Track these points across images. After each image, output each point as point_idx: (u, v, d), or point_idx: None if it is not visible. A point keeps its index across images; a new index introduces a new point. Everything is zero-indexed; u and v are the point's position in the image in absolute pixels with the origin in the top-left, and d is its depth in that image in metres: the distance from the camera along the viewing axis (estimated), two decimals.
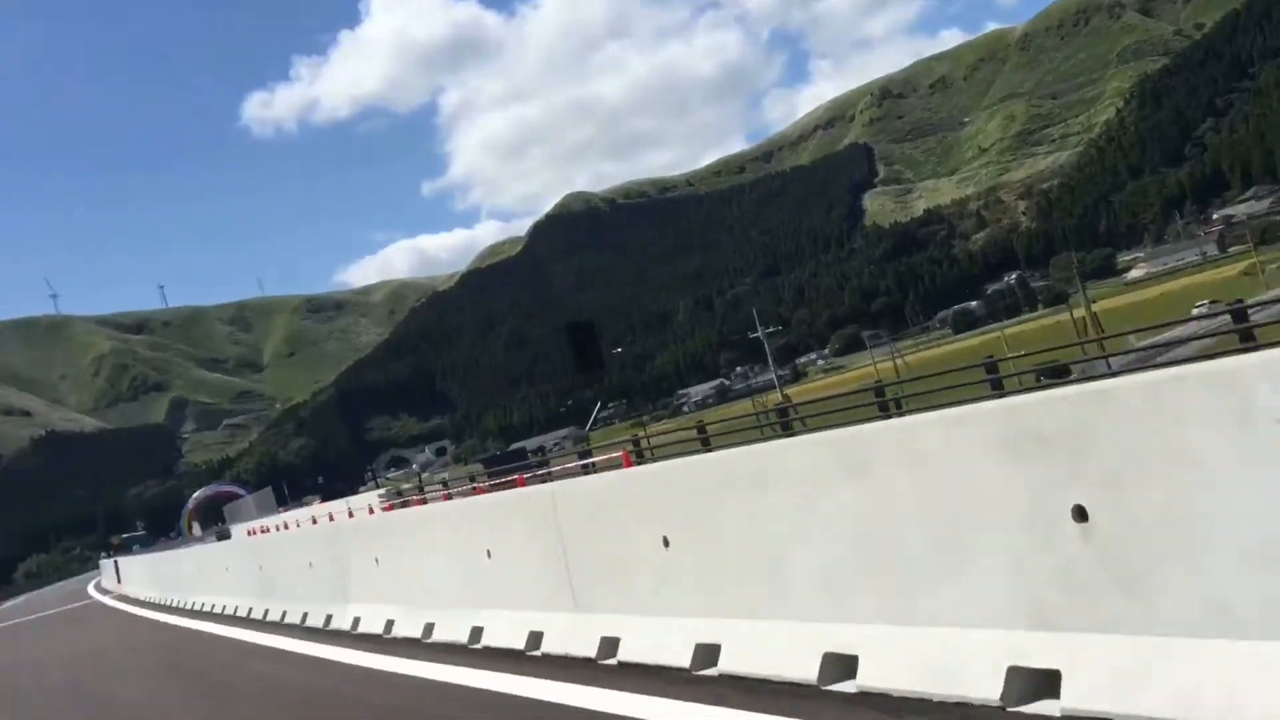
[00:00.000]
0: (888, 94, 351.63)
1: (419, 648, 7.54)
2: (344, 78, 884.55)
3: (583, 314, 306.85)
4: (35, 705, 10.04)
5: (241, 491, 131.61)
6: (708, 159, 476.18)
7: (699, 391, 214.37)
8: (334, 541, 10.18)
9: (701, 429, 23.50)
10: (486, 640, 7.16)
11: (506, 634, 6.90)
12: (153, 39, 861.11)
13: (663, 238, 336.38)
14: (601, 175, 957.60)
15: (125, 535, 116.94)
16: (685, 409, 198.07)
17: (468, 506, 9.05)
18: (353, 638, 8.76)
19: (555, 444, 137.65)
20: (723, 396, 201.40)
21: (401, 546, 8.72)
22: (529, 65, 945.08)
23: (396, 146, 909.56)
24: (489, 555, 7.23)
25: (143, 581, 25.29)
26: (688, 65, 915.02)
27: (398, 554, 8.68)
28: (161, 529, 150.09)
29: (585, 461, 26.21)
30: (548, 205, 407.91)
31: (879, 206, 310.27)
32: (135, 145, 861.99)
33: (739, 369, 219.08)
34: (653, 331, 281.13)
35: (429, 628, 7.73)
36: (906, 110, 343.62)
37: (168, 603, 19.33)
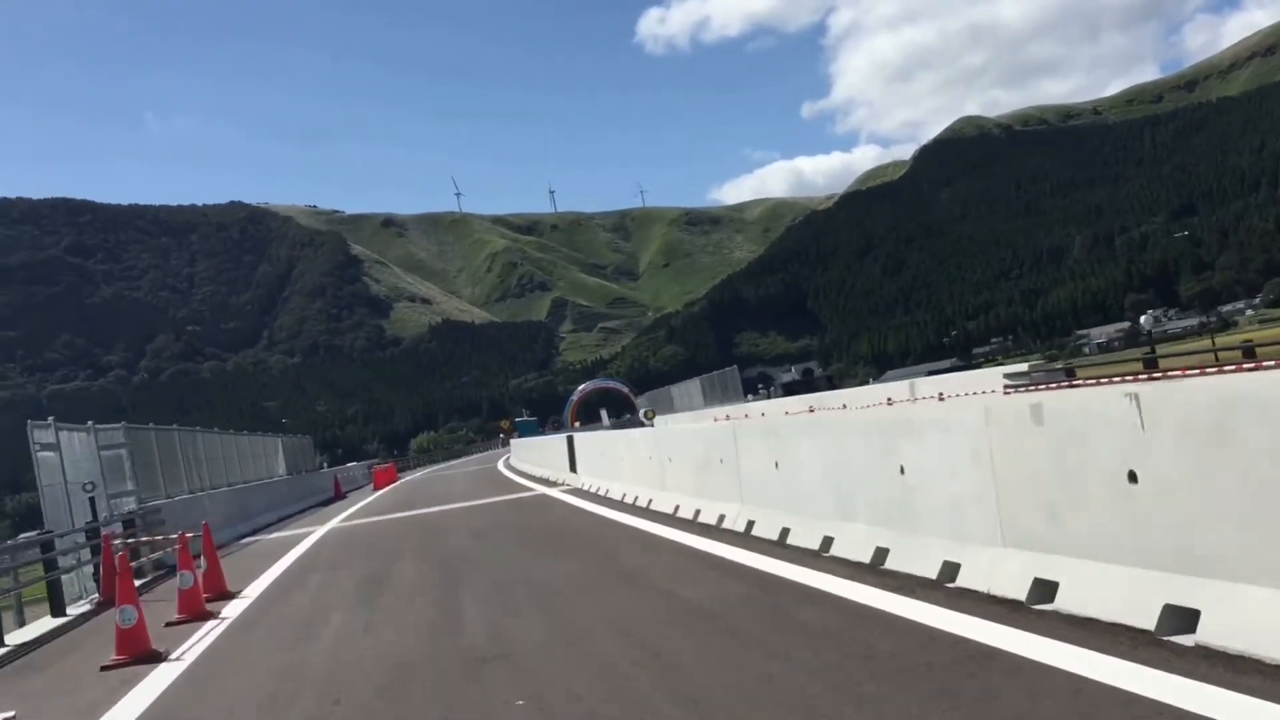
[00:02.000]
0: None
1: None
2: None
3: (967, 242, 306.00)
4: None
5: (623, 388, 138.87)
6: (1113, 89, 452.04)
7: (1102, 333, 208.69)
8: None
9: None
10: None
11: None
12: None
13: (1061, 168, 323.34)
14: (993, 103, 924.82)
15: (519, 419, 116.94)
16: (1086, 350, 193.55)
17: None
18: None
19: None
20: (1132, 340, 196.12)
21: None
22: None
23: (781, 66, 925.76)
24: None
25: (637, 476, 15.46)
26: None
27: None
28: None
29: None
30: (931, 132, 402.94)
31: None
32: (540, 61, 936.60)
33: (1150, 312, 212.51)
34: (1042, 267, 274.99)
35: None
36: None
37: (737, 526, 10.22)
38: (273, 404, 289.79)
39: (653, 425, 25.57)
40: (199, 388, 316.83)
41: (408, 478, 48.57)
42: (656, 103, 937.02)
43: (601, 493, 17.86)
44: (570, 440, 22.13)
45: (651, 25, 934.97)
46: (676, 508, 12.86)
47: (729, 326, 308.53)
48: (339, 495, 37.09)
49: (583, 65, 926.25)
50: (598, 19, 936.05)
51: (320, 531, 20.02)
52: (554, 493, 20.56)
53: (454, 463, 72.86)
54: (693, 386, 44.00)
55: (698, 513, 11.97)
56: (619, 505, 15.49)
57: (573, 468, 21.86)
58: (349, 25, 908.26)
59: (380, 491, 36.67)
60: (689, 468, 12.47)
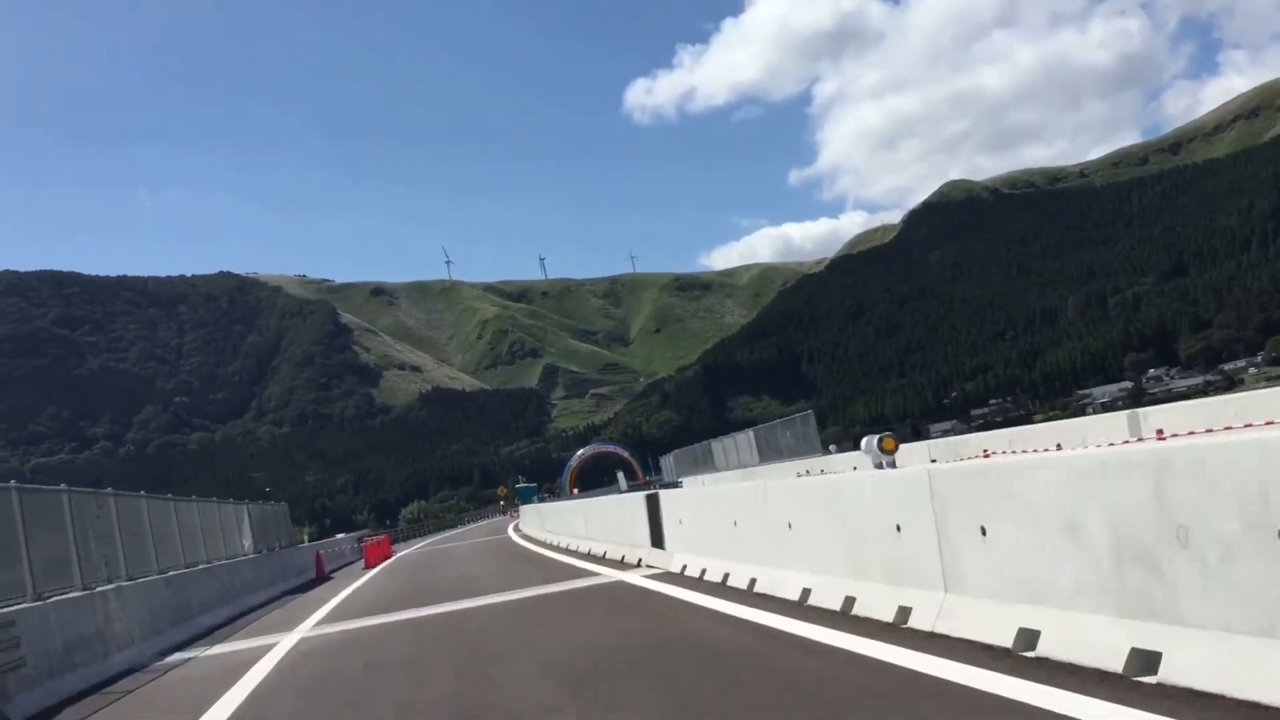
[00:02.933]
0: None
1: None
2: (723, 65, 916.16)
3: (959, 303, 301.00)
4: None
5: (623, 452, 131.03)
6: (1095, 154, 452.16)
7: (1104, 393, 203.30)
8: None
9: None
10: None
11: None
12: (545, 29, 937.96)
13: (1051, 230, 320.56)
14: (977, 168, 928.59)
15: (519, 485, 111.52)
16: (1090, 410, 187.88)
17: None
18: None
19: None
20: (1137, 400, 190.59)
21: None
22: (909, 54, 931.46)
23: (767, 135, 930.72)
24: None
25: (842, 560, 8.41)
26: (1081, 55, 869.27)
27: None
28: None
29: None
30: (917, 198, 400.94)
31: None
32: (530, 132, 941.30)
33: (1153, 371, 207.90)
34: (1037, 328, 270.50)
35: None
36: None
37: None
38: (260, 474, 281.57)
39: (889, 463, 17.38)
40: (186, 459, 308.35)
41: (404, 552, 41.06)
42: (645, 171, 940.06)
43: (737, 584, 10.72)
44: (654, 501, 14.80)
45: (639, 96, 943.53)
46: (1029, 637, 5.81)
47: (723, 391, 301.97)
48: (321, 576, 29.71)
49: (572, 135, 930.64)
50: (586, 91, 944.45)
51: (283, 646, 12.75)
52: (637, 579, 13.36)
53: (452, 533, 65.10)
54: (742, 440, 36.20)
55: (1153, 661, 4.91)
56: (810, 612, 8.39)
57: (657, 541, 14.66)
58: (338, 97, 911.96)
59: (373, 571, 29.27)
60: (1095, 549, 5.33)
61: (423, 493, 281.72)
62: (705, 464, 42.40)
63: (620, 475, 68.29)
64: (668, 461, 54.95)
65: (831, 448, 32.73)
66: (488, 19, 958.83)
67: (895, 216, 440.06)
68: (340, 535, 53.26)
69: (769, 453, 32.85)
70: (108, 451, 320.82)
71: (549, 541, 26.73)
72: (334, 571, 32.07)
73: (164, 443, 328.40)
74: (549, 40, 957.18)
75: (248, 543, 24.35)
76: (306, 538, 46.76)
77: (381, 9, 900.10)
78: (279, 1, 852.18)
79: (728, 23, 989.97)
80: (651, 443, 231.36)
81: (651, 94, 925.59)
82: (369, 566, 31.59)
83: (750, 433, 35.92)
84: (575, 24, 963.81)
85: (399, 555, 38.07)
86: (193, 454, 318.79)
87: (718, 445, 40.93)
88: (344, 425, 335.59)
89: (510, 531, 43.09)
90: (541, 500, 67.56)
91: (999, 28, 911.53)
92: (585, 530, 20.76)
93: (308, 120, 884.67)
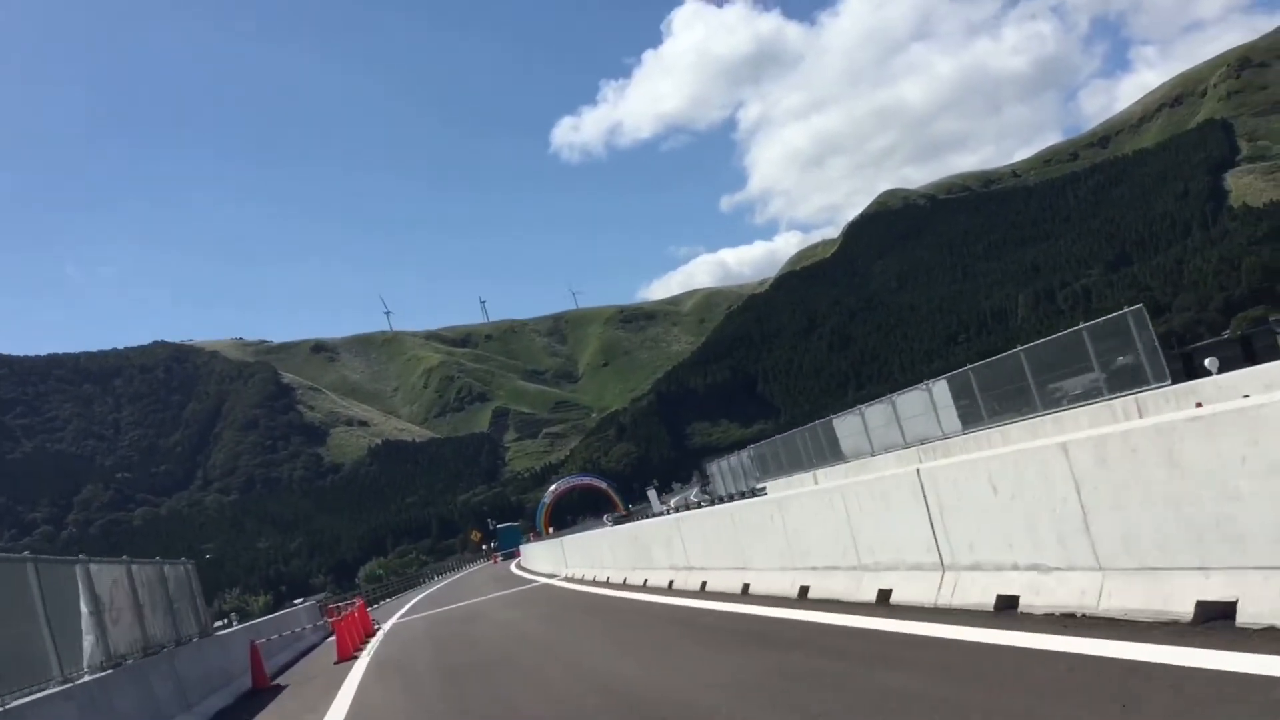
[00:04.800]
0: (1247, 64, 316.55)
1: None
2: (647, 97, 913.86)
3: (909, 311, 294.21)
4: None
5: (601, 483, 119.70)
6: (1020, 156, 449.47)
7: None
8: None
9: None
10: None
11: None
12: (470, 76, 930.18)
13: (991, 231, 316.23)
14: (906, 180, 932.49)
15: (501, 525, 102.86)
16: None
17: None
18: None
19: None
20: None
21: None
22: (829, 74, 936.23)
23: (696, 163, 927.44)
24: None
25: None
26: (997, 61, 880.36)
27: None
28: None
29: None
30: (849, 214, 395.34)
31: (1246, 185, 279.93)
32: (458, 175, 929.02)
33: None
34: (988, 328, 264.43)
35: None
36: (1271, 80, 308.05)
37: None
38: (210, 545, 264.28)
39: None
40: (132, 536, 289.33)
41: (390, 624, 27.49)
42: (579, 208, 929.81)
43: None
44: None
45: (566, 134, 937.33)
46: None
47: (678, 419, 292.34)
48: (261, 685, 16.45)
49: (501, 178, 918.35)
50: (512, 132, 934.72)
51: None
52: None
53: (434, 589, 50.75)
54: (914, 399, 22.28)
55: None
56: None
57: None
58: (259, 150, 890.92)
59: (355, 669, 15.97)
60: None
61: (380, 549, 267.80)
62: (820, 455, 28.86)
63: (651, 494, 54.40)
64: (724, 465, 41.02)
65: (1209, 361, 19.75)
66: (406, 69, 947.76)
67: (830, 234, 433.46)
68: (298, 603, 39.70)
69: (980, 409, 19.90)
70: (49, 536, 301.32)
71: (648, 583, 14.01)
72: (282, 673, 18.75)
73: (108, 521, 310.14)
74: (472, 84, 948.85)
75: (88, 648, 11.09)
76: (234, 619, 33.03)
77: (305, 57, 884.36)
78: (197, 51, 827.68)
79: (648, 55, 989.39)
80: (613, 476, 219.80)
81: (578, 131, 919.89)
82: (344, 658, 18.32)
83: (942, 381, 22.39)
84: (497, 66, 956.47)
85: (385, 629, 24.72)
86: (138, 530, 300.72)
87: (848, 420, 26.91)
88: (293, 487, 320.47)
89: (519, 571, 30.16)
90: (525, 541, 54.86)
91: (915, 41, 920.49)
92: (859, 553, 7.79)
93: (230, 180, 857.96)
